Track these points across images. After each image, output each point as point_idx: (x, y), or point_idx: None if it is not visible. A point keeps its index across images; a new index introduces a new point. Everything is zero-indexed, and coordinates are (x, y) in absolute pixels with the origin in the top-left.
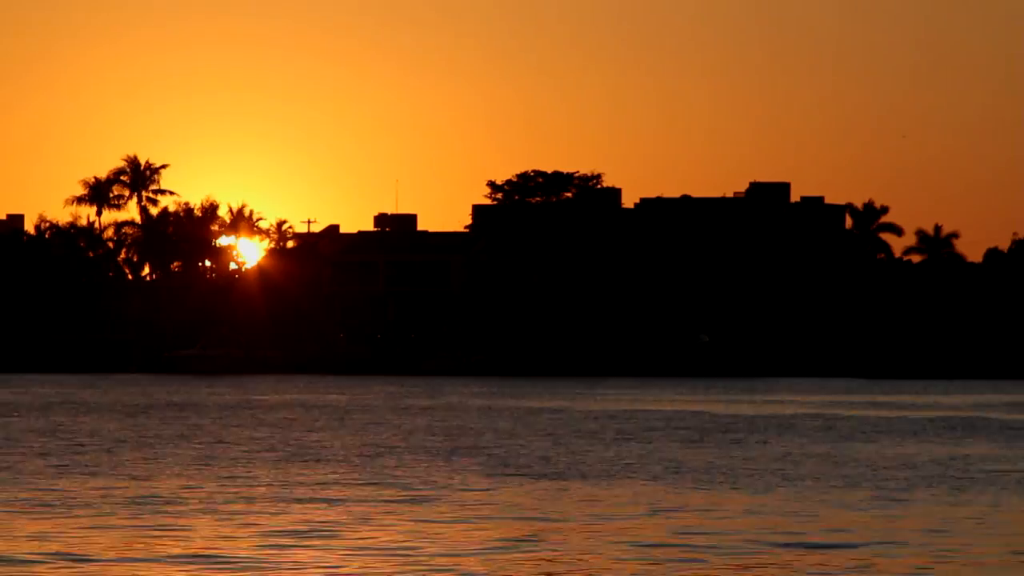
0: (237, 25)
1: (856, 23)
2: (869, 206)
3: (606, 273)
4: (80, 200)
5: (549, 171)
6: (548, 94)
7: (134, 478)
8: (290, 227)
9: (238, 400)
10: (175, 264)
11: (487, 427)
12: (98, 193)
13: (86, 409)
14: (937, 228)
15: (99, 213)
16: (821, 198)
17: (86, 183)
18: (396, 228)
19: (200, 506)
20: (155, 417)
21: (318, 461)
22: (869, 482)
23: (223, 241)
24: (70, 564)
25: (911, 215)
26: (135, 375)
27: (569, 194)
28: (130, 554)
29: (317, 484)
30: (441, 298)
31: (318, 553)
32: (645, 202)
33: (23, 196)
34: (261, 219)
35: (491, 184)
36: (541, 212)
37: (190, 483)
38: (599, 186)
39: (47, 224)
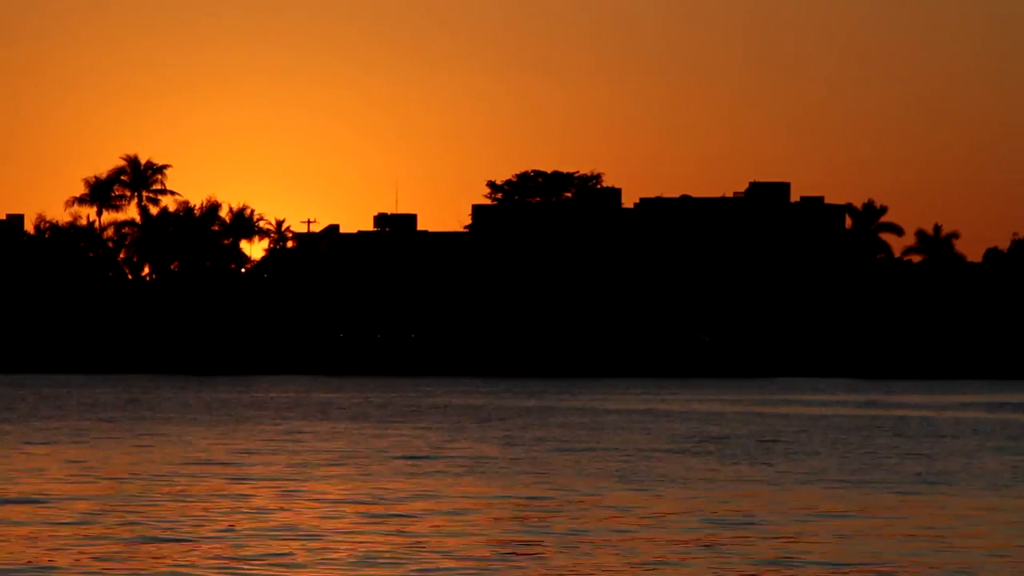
0: (238, 25)
1: (856, 24)
2: (869, 206)
3: (606, 273)
4: (80, 200)
5: (549, 171)
6: (548, 94)
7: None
8: (290, 227)
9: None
10: (175, 264)
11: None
12: (98, 193)
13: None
14: (937, 228)
15: (99, 213)
16: (821, 198)
17: (86, 182)
18: (396, 228)
19: None
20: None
21: None
22: None
23: (223, 241)
24: None
25: (911, 215)
26: (138, 375)
27: (569, 194)
28: None
29: None
30: (440, 298)
31: None
32: (645, 202)
33: (23, 196)
34: (261, 219)
35: (491, 184)
36: (541, 212)
37: None
38: (599, 186)
39: (47, 224)
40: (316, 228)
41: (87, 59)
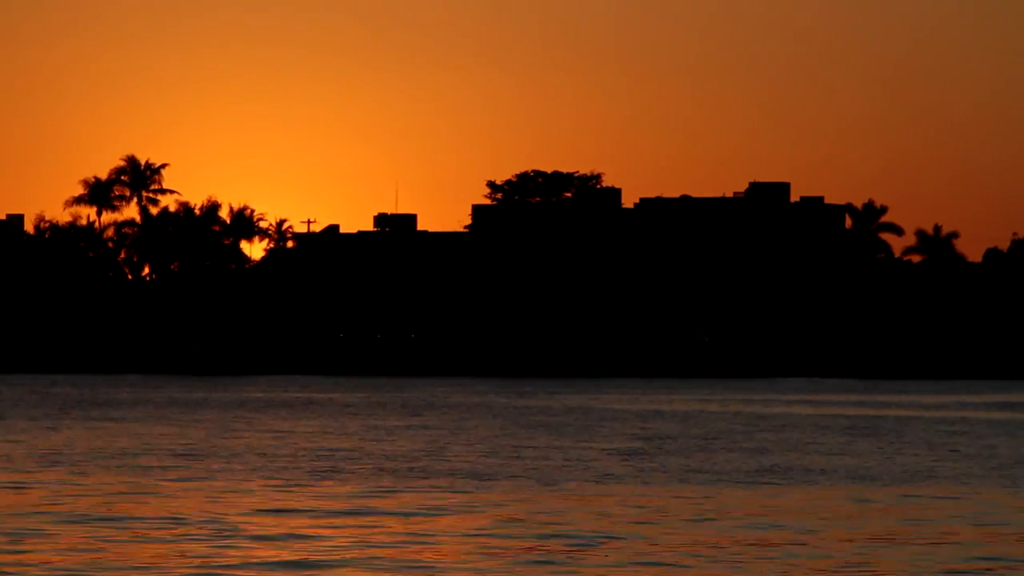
0: (238, 25)
1: (856, 23)
2: (869, 206)
3: (606, 273)
4: (80, 200)
5: (549, 171)
6: (548, 94)
7: None
8: (290, 227)
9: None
10: (175, 264)
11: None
12: (98, 193)
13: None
14: (937, 228)
15: (99, 213)
16: (821, 198)
17: (86, 183)
18: (396, 228)
19: None
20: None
21: None
22: None
23: (223, 241)
24: None
25: (911, 215)
26: (138, 375)
27: (569, 194)
28: None
29: None
30: (440, 298)
31: None
32: (645, 202)
33: (23, 196)
34: (262, 219)
35: (491, 184)
36: (541, 212)
37: None
38: (599, 186)
39: (47, 224)
40: (316, 228)
41: (87, 59)
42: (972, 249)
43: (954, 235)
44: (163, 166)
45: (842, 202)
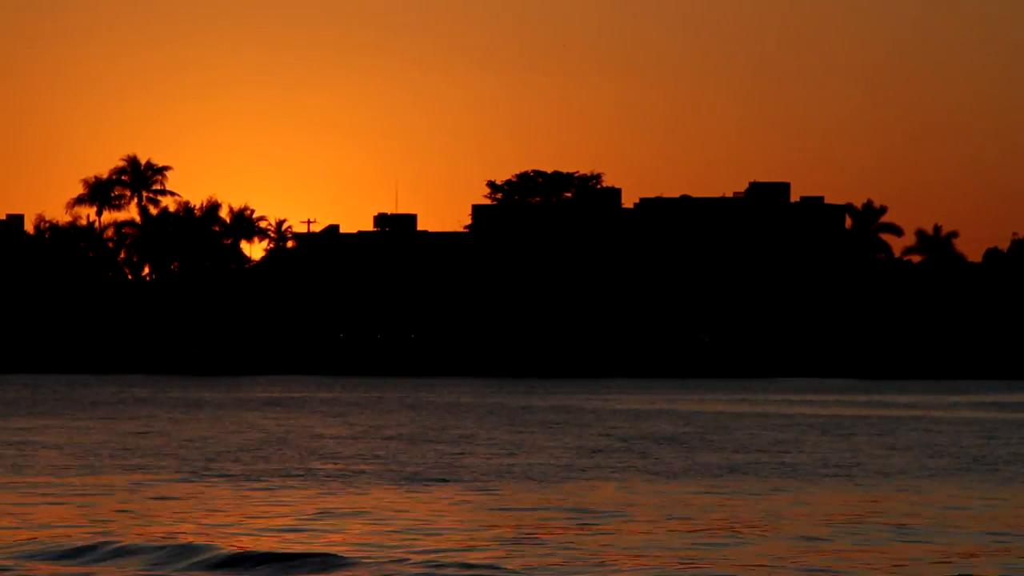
0: (238, 25)
1: (856, 23)
2: (869, 206)
3: (606, 273)
4: (80, 200)
5: (549, 171)
6: (548, 94)
7: None
8: (290, 227)
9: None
10: (175, 264)
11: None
12: (98, 193)
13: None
14: (937, 228)
15: (99, 213)
16: (821, 198)
17: (86, 183)
18: (396, 228)
19: None
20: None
21: None
22: None
23: (223, 241)
24: None
25: (911, 215)
26: (138, 375)
27: (569, 194)
28: None
29: None
30: (440, 298)
31: None
32: (645, 202)
33: (23, 196)
34: (262, 219)
35: (491, 184)
36: (541, 212)
37: None
38: (599, 186)
39: (47, 224)
40: (316, 228)
41: (88, 59)
42: (972, 249)
43: (954, 235)
44: (165, 168)
45: (842, 202)
